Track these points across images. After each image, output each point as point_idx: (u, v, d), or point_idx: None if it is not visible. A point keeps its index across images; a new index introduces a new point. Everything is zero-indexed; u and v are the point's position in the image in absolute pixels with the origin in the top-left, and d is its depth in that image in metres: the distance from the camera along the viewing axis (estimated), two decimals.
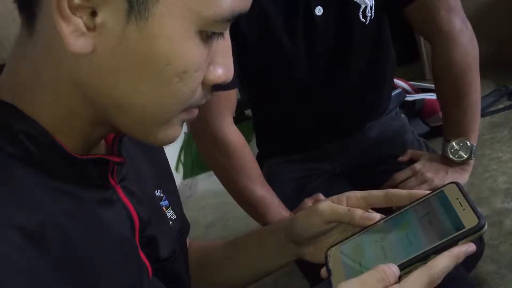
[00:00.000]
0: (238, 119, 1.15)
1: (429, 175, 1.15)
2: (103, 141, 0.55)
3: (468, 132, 1.13)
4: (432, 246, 0.51)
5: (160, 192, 0.67)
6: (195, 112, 0.51)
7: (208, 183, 2.45)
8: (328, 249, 0.62)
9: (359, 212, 0.62)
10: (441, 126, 1.98)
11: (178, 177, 2.58)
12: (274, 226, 0.77)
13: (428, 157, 1.19)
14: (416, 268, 0.51)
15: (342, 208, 0.64)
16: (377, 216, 0.61)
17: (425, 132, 1.97)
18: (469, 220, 0.51)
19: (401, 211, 0.60)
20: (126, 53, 0.43)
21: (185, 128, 2.75)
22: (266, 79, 1.15)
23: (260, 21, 1.03)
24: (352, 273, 0.56)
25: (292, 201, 1.14)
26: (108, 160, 0.51)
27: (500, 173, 1.79)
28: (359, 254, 0.57)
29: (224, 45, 0.48)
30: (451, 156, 1.14)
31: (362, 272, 0.52)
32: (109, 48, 0.43)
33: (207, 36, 0.45)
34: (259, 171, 1.13)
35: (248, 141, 1.16)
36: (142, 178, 0.62)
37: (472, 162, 1.16)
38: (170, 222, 0.67)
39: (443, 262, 0.50)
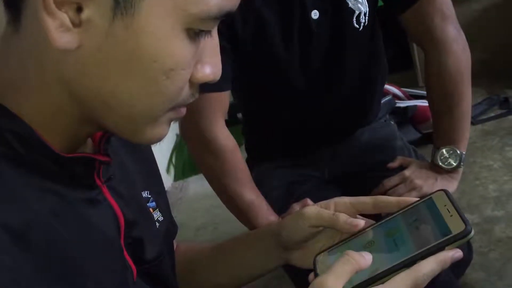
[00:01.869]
0: (231, 122, 1.16)
1: (418, 182, 1.15)
2: (90, 140, 0.55)
3: (458, 140, 1.13)
4: (419, 251, 0.52)
5: (147, 193, 0.67)
6: (183, 111, 0.51)
7: (199, 185, 2.45)
8: (317, 255, 0.62)
9: (343, 217, 0.62)
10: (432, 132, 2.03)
11: (169, 179, 2.58)
12: (262, 230, 0.77)
13: (417, 164, 1.19)
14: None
15: (327, 212, 0.64)
16: (361, 222, 0.61)
17: (417, 139, 1.99)
18: (456, 226, 0.52)
19: (390, 217, 0.60)
20: (112, 50, 0.43)
21: (177, 130, 2.75)
22: (259, 82, 1.15)
23: (256, 25, 1.04)
24: None
25: (281, 206, 1.14)
26: (95, 159, 0.51)
27: (491, 181, 1.80)
28: None
29: (212, 44, 0.48)
30: (440, 164, 1.14)
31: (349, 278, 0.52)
32: (95, 44, 0.43)
33: (194, 34, 0.45)
34: (249, 175, 1.13)
35: (240, 144, 1.16)
36: (129, 179, 0.62)
37: (461, 170, 1.17)
38: (157, 224, 0.67)
39: (429, 266, 0.50)
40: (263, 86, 1.16)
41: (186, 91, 0.48)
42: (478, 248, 1.45)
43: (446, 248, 0.51)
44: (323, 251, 0.63)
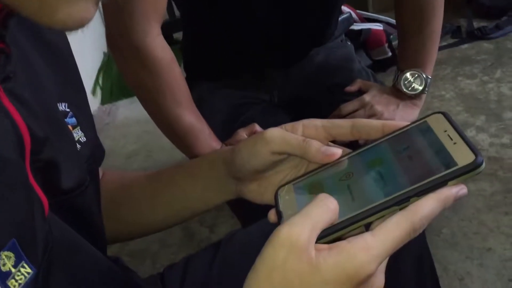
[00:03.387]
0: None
1: (378, 108, 1.08)
2: None
3: (425, 63, 1.07)
4: (415, 186, 0.42)
5: (65, 106, 0.54)
6: None
7: (129, 109, 2.31)
8: (279, 188, 0.52)
9: (315, 144, 0.51)
10: (384, 60, 1.97)
11: (95, 102, 2.42)
12: (210, 157, 0.65)
13: (378, 89, 1.12)
14: (393, 213, 0.42)
15: (295, 137, 0.53)
16: (338, 151, 0.50)
17: (367, 66, 1.91)
18: (462, 156, 0.42)
19: (373, 144, 0.50)
20: None
21: (104, 48, 2.55)
22: None
23: None
24: None
25: (224, 132, 1.05)
26: None
27: None
28: (318, 194, 0.48)
29: None
30: (403, 89, 1.08)
31: None
32: None
33: None
34: (189, 95, 1.01)
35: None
36: (38, 84, 0.49)
37: (424, 96, 1.12)
38: (78, 146, 0.55)
39: (429, 206, 0.41)
40: None
41: None
42: None
43: (449, 183, 0.42)
44: (287, 183, 0.53)
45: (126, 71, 0.99)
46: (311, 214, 0.41)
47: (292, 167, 0.57)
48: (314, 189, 0.50)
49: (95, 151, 0.60)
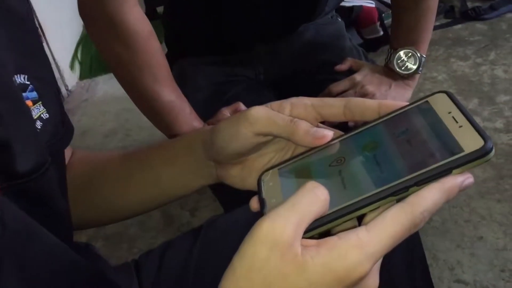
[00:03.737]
0: (148, 17, 0.95)
1: (370, 88, 1.04)
2: None
3: (419, 41, 1.03)
4: (415, 174, 0.37)
5: (24, 78, 0.49)
6: None
7: (109, 86, 2.24)
8: (263, 173, 0.47)
9: (304, 125, 0.46)
10: (376, 39, 1.92)
11: (73, 77, 2.34)
12: (188, 138, 0.60)
13: (369, 68, 1.08)
14: (389, 204, 0.37)
15: (282, 117, 0.47)
16: (329, 134, 0.45)
17: (358, 45, 1.87)
18: (469, 141, 0.37)
19: (367, 126, 0.45)
20: None
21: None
22: None
23: None
24: None
25: (207, 110, 1.00)
26: None
27: None
28: (306, 180, 0.43)
29: None
30: (396, 68, 1.04)
31: None
32: None
33: None
34: (168, 70, 0.96)
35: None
36: None
37: (418, 77, 1.08)
38: (39, 123, 0.49)
39: (431, 197, 0.36)
40: None
41: None
42: None
43: (453, 171, 0.37)
44: (270, 169, 0.48)
45: (100, 43, 0.93)
46: (298, 205, 0.36)
47: (278, 149, 0.52)
48: (301, 175, 0.45)
49: (58, 129, 0.54)
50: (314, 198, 0.37)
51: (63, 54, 2.22)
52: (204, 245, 0.71)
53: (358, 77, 1.05)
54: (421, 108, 0.43)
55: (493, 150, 0.37)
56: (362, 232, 0.36)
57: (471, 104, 1.68)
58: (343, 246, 0.35)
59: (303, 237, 0.36)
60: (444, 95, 0.42)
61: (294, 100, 0.50)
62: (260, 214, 0.43)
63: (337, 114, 0.48)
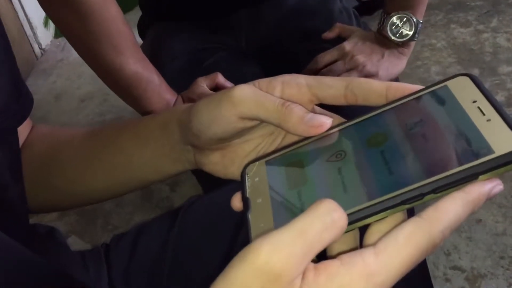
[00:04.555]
0: None
1: (360, 58, 0.97)
2: None
3: (416, 5, 0.95)
4: (432, 179, 0.31)
5: None
6: None
7: None
8: (248, 165, 0.41)
9: (298, 111, 0.39)
10: (373, 1, 1.83)
11: (47, 35, 2.25)
12: (163, 118, 0.53)
13: (360, 35, 1.00)
14: (399, 214, 0.31)
15: (272, 100, 0.40)
16: (327, 122, 0.39)
17: (353, 8, 1.79)
18: (500, 140, 0.30)
19: (373, 114, 0.38)
20: None
21: None
22: None
23: None
24: (284, 208, 0.35)
25: (184, 81, 0.93)
26: None
27: (433, 62, 1.69)
28: (299, 178, 0.36)
29: None
30: (390, 35, 0.96)
31: (302, 210, 0.31)
32: None
33: None
34: (132, 38, 0.90)
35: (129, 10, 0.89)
36: None
37: (413, 44, 1.00)
38: None
39: (454, 211, 0.30)
40: None
41: None
42: None
43: (480, 177, 0.30)
44: (256, 161, 0.41)
45: (49, 11, 0.85)
46: (309, 232, 0.29)
47: (266, 135, 0.46)
48: (293, 172, 0.38)
49: (11, 105, 0.50)
50: (330, 225, 0.30)
51: (36, 9, 2.10)
52: (181, 229, 0.66)
53: (347, 46, 0.97)
54: (439, 94, 0.36)
55: None
56: (369, 257, 0.29)
57: None
58: (347, 275, 0.29)
59: None
60: (467, 79, 0.35)
61: (287, 78, 0.43)
62: (243, 216, 0.36)
63: (336, 96, 0.41)
